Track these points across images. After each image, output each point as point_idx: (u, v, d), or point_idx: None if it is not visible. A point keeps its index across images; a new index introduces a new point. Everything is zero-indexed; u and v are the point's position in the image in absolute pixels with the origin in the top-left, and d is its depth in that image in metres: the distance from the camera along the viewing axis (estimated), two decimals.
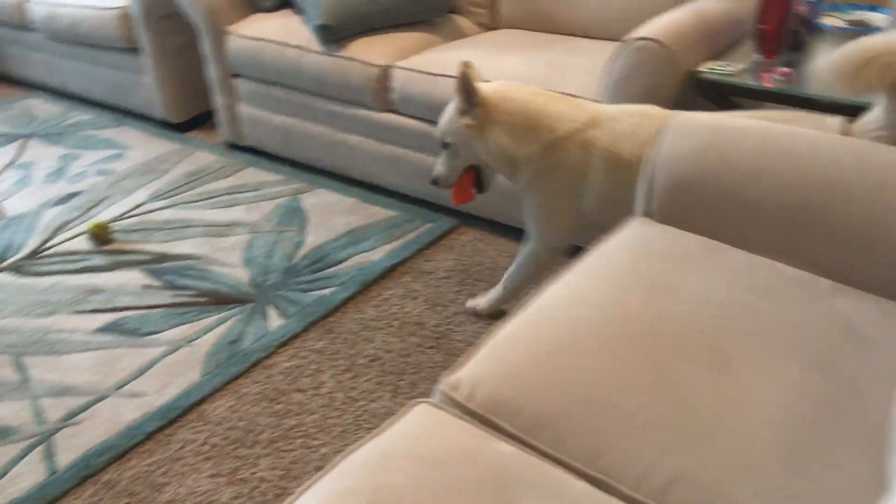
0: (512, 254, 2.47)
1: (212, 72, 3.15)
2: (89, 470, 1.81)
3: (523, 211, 2.07)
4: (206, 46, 3.10)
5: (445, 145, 2.05)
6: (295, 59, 2.80)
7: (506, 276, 2.18)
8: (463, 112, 1.95)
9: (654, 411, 1.15)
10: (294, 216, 2.78)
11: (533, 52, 2.57)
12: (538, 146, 1.91)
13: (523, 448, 1.14)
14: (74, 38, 3.55)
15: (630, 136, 1.82)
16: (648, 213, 1.62)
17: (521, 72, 2.39)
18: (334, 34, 2.69)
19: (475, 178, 2.10)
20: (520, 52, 2.58)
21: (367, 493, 1.07)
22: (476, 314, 2.24)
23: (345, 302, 2.33)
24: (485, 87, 1.95)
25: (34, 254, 2.64)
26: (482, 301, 2.24)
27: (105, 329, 2.26)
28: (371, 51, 2.67)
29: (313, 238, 2.64)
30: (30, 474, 1.80)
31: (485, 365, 1.24)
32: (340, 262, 2.51)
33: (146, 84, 3.44)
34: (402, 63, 2.61)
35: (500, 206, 2.52)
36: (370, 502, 1.06)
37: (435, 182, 2.11)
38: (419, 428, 1.18)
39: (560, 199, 1.95)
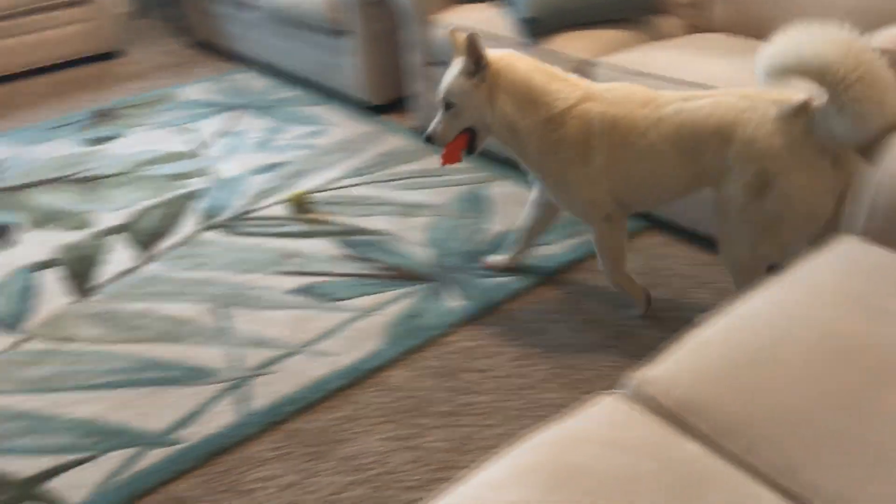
0: (697, 262, 2.42)
1: (412, 59, 3.27)
2: (279, 417, 1.95)
3: (551, 191, 2.15)
4: (409, 34, 3.22)
5: (448, 105, 2.09)
6: None
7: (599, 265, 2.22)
8: (470, 73, 2.02)
9: (859, 434, 1.10)
10: (477, 204, 2.84)
11: (739, 58, 2.49)
12: (538, 120, 2.00)
13: (714, 451, 1.13)
14: (289, 19, 3.80)
15: (623, 100, 1.96)
16: (864, 232, 1.54)
17: (723, 75, 2.32)
18: (539, 27, 2.73)
19: (468, 140, 2.15)
20: (724, 56, 2.51)
21: (552, 470, 1.10)
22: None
23: (523, 291, 2.36)
24: (491, 53, 2.02)
25: (241, 215, 2.85)
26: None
27: (299, 291, 2.42)
28: (574, 45, 2.69)
29: (494, 226, 2.69)
30: (225, 414, 1.97)
31: (682, 365, 1.23)
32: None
33: (349, 66, 3.62)
34: (603, 59, 2.61)
35: (691, 212, 2.47)
36: (554, 478, 1.08)
37: (429, 139, 2.15)
38: (608, 418, 1.19)
39: (571, 173, 2.02)
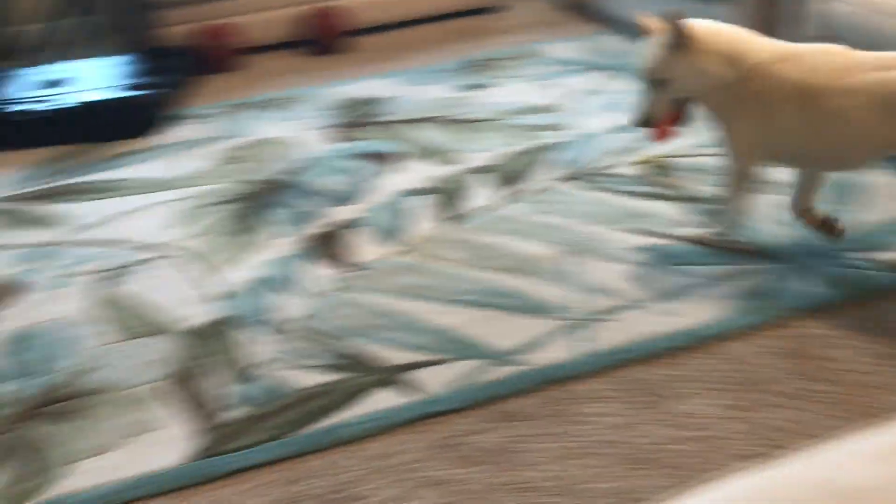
0: None
1: (796, 33, 3.11)
2: (612, 362, 2.05)
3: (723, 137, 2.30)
4: (800, 8, 3.07)
5: (657, 83, 2.19)
6: None
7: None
8: (675, 46, 2.14)
9: None
10: (850, 190, 2.67)
11: None
12: (740, 73, 2.15)
13: None
14: None
15: (822, 66, 2.11)
16: None
17: None
18: None
19: (678, 113, 2.27)
20: None
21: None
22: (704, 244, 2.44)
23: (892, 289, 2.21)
24: (693, 23, 2.16)
25: (595, 171, 2.96)
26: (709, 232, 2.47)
27: (644, 250, 2.48)
28: None
29: (868, 215, 2.52)
30: (563, 349, 2.11)
31: None
32: (890, 247, 2.37)
33: None
34: None
35: None
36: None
37: (643, 123, 2.27)
38: None
39: (750, 128, 2.22)
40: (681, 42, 2.14)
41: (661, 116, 2.25)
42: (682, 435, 1.82)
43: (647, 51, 2.22)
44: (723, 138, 2.30)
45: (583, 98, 3.61)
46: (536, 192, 2.85)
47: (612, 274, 2.38)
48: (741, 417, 1.84)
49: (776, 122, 2.17)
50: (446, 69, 4.10)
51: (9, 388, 2.13)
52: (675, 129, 2.30)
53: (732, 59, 2.16)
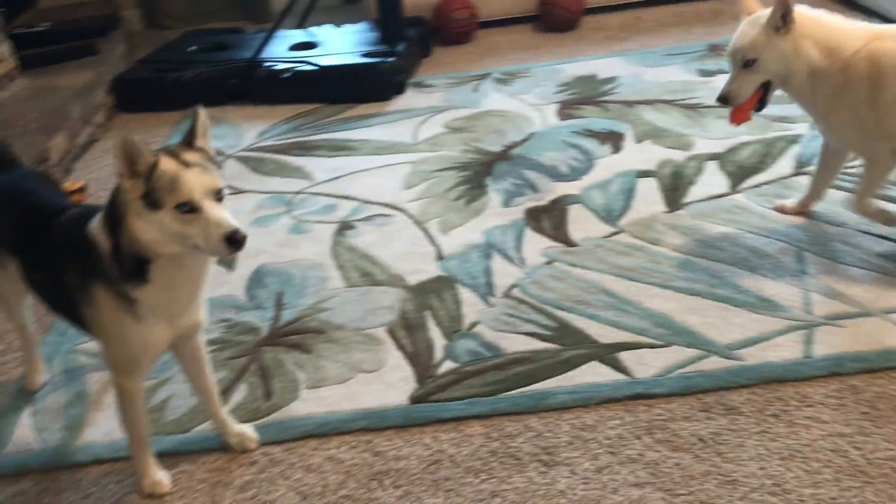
0: None
1: None
2: (840, 369, 1.93)
3: (836, 131, 2.29)
4: None
5: (747, 63, 2.20)
6: None
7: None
8: (776, 27, 2.15)
9: None
10: None
11: None
12: (839, 61, 2.14)
13: None
14: None
15: None
16: None
17: None
18: None
19: (760, 97, 2.25)
20: None
21: None
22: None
23: None
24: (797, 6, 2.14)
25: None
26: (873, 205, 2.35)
27: (887, 256, 2.31)
28: None
29: None
30: (786, 349, 2.01)
31: None
32: None
33: None
34: None
35: None
36: None
37: (725, 100, 2.26)
38: None
39: (863, 112, 2.16)
40: (783, 23, 2.15)
41: (746, 97, 2.25)
42: None
43: (743, 29, 2.22)
44: (849, 134, 2.27)
45: None
46: (770, 185, 2.73)
47: (848, 279, 2.23)
48: None
49: (883, 100, 2.12)
50: (682, 52, 4.00)
51: (249, 319, 2.36)
52: (752, 112, 2.30)
53: (830, 49, 2.15)
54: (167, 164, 1.49)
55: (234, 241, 1.49)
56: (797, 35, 2.16)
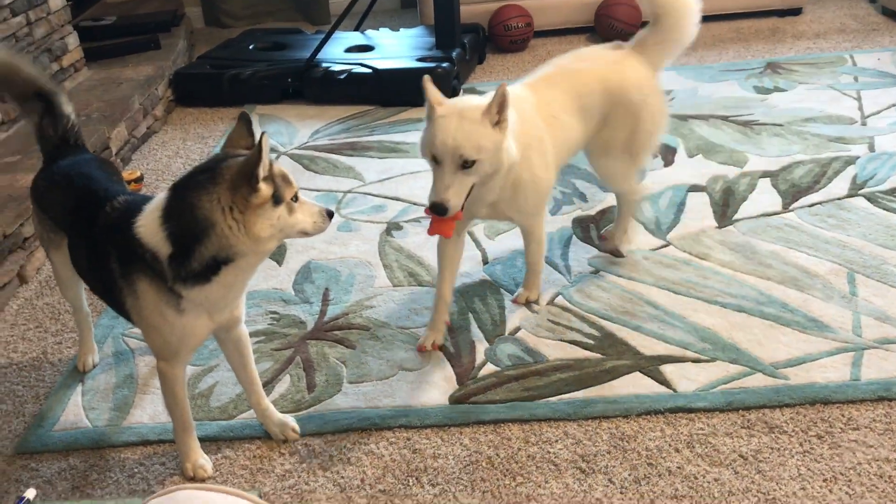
0: None
1: None
2: (888, 394, 1.90)
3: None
4: None
5: (467, 164, 1.85)
6: None
7: None
8: (496, 123, 1.86)
9: None
10: None
11: None
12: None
13: None
14: None
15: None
16: None
17: None
18: None
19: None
20: None
21: None
22: None
23: None
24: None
25: (893, 190, 2.73)
26: None
27: None
28: None
29: None
30: (833, 370, 1.98)
31: None
32: None
33: None
34: None
35: None
36: None
37: (441, 209, 1.87)
38: None
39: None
40: (499, 121, 1.86)
41: (461, 203, 1.88)
42: None
43: (459, 125, 1.84)
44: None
45: (889, 113, 3.32)
46: (823, 205, 2.69)
47: None
48: None
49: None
50: (739, 69, 3.96)
51: (295, 312, 2.40)
52: (454, 224, 1.95)
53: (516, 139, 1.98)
54: (274, 165, 1.60)
55: (331, 213, 1.70)
56: (504, 128, 1.89)
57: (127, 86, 3.84)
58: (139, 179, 3.28)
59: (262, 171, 1.53)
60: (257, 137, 1.57)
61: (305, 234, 1.67)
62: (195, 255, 1.56)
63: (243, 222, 1.55)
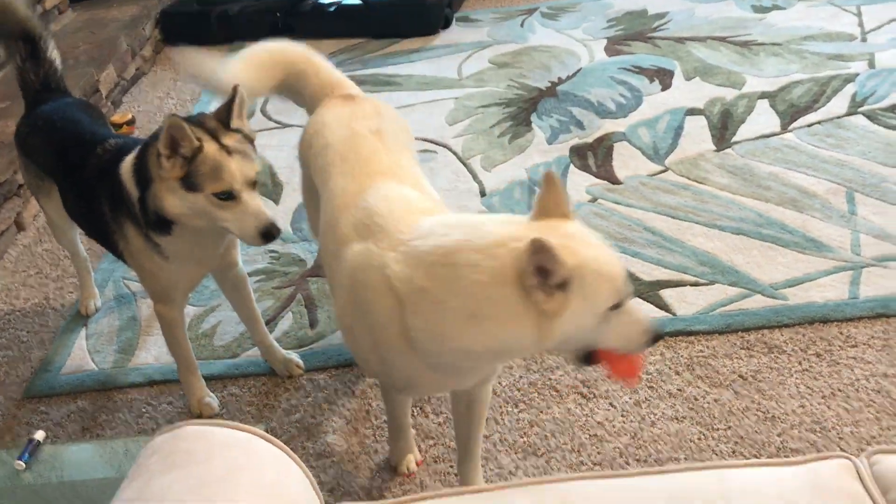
0: None
1: None
2: (886, 311, 1.91)
3: None
4: None
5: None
6: None
7: None
8: None
9: None
10: None
11: None
12: None
13: None
14: None
15: None
16: None
17: None
18: None
19: None
20: None
21: None
22: None
23: None
24: None
25: (893, 107, 2.70)
26: None
27: None
28: None
29: None
30: (831, 289, 1.99)
31: None
32: None
33: None
34: None
35: None
36: None
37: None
38: None
39: None
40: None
41: None
42: None
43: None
44: None
45: (889, 28, 3.26)
46: (822, 124, 2.66)
47: None
48: None
49: None
50: None
51: (294, 251, 2.40)
52: None
53: None
54: (210, 149, 1.48)
55: (269, 234, 1.52)
56: None
57: (113, 27, 3.77)
58: (131, 122, 3.24)
59: (163, 150, 1.46)
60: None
61: (231, 233, 1.58)
62: (146, 205, 1.55)
63: (155, 189, 1.51)
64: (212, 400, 1.89)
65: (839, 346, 1.85)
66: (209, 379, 1.95)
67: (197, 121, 1.53)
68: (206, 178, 1.48)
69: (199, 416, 1.88)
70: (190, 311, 2.18)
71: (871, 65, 2.99)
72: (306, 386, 1.93)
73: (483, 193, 2.57)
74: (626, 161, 2.61)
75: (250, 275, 2.26)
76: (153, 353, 2.08)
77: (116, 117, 3.24)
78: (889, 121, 2.62)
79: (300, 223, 2.52)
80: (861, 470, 1.00)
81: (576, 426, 1.75)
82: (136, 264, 1.70)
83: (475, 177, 2.66)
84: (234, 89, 1.55)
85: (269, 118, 3.20)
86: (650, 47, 3.36)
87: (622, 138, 2.74)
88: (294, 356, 1.97)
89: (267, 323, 2.06)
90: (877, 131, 2.58)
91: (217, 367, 2.01)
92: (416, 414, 1.82)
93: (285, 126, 3.13)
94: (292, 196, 2.66)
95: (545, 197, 1.20)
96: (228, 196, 1.50)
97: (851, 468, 1.00)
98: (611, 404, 1.78)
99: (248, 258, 2.37)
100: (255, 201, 1.53)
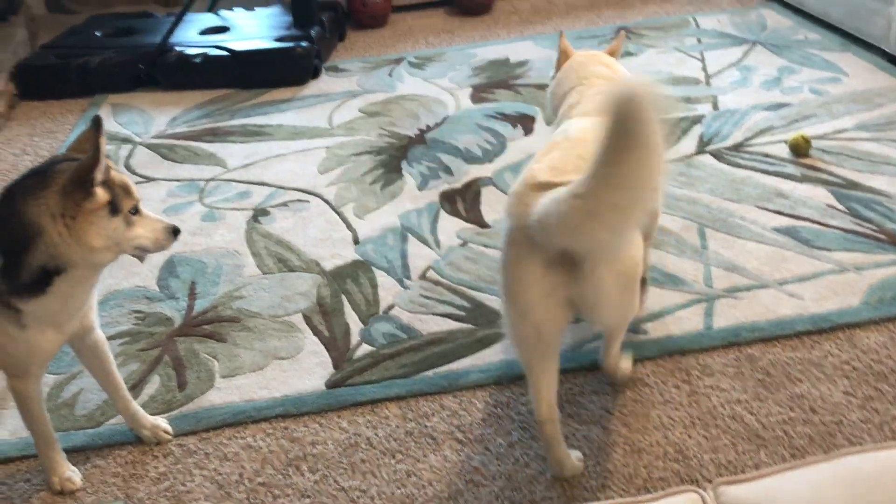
0: None
1: None
2: (737, 339, 2.03)
3: None
4: None
5: None
6: None
7: None
8: None
9: None
10: None
11: None
12: None
13: None
14: None
15: None
16: None
17: None
18: None
19: None
20: None
21: None
22: None
23: None
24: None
25: (735, 146, 2.90)
26: None
27: (781, 230, 2.42)
28: None
29: None
30: (688, 321, 2.10)
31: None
32: None
33: (888, 14, 3.35)
34: None
35: None
36: None
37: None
38: None
39: None
40: None
41: None
42: (803, 418, 1.80)
43: None
44: None
45: (730, 72, 3.51)
46: (674, 164, 2.82)
47: (745, 252, 2.34)
48: (864, 407, 1.80)
49: None
50: (593, 35, 4.07)
51: (161, 309, 2.33)
52: None
53: None
54: (113, 171, 1.53)
55: (177, 230, 1.64)
56: None
57: None
58: None
59: (99, 175, 1.47)
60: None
61: (144, 250, 1.62)
62: (24, 266, 1.48)
63: (74, 229, 1.47)
64: (73, 474, 1.79)
65: (697, 376, 1.95)
66: (71, 451, 1.85)
67: (74, 150, 1.59)
68: (122, 197, 1.53)
69: (61, 493, 1.79)
70: (49, 379, 2.08)
71: (715, 106, 3.21)
72: (175, 452, 1.87)
73: (357, 241, 2.58)
74: (493, 205, 2.69)
75: (112, 338, 2.19)
76: (8, 428, 1.96)
77: None
78: (733, 159, 2.81)
79: (168, 280, 2.46)
80: (708, 502, 1.06)
81: (452, 473, 1.76)
82: None
83: (349, 225, 2.67)
84: (96, 119, 1.51)
85: (134, 172, 3.12)
86: (513, 94, 3.49)
87: (489, 183, 2.82)
88: (161, 421, 1.90)
89: (132, 388, 1.99)
90: (722, 169, 2.76)
91: (79, 437, 1.91)
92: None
93: (150, 180, 3.05)
94: (158, 253, 2.58)
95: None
96: (135, 211, 1.56)
97: (699, 501, 1.06)
98: (486, 448, 1.81)
99: (110, 320, 2.29)
100: (146, 210, 1.61)
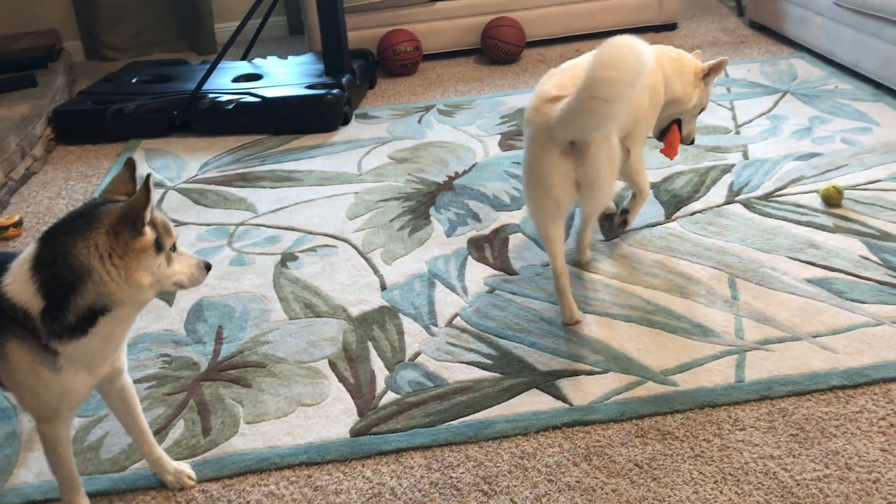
0: None
1: None
2: (769, 393, 1.99)
3: None
4: None
5: None
6: None
7: None
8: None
9: None
10: None
11: None
12: None
13: None
14: (862, 7, 3.61)
15: None
16: None
17: None
18: None
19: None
20: None
21: None
22: None
23: None
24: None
25: (766, 196, 2.87)
26: None
27: (814, 282, 2.38)
28: None
29: None
30: (719, 373, 2.06)
31: None
32: None
33: None
34: None
35: None
36: None
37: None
38: None
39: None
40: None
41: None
42: (838, 475, 1.75)
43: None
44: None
45: (760, 121, 3.50)
46: (703, 213, 2.80)
47: (777, 304, 2.30)
48: None
49: None
50: None
51: (188, 353, 2.34)
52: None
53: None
54: (155, 211, 1.58)
55: (209, 267, 1.69)
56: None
57: (2, 126, 3.68)
58: (18, 224, 3.14)
59: (148, 215, 1.50)
60: (140, 185, 1.54)
61: (181, 286, 1.64)
62: (70, 307, 1.49)
63: (123, 268, 1.50)
64: None
65: (728, 430, 1.91)
66: (94, 495, 1.85)
67: (110, 192, 1.64)
68: (164, 234, 1.58)
69: None
70: (76, 421, 2.08)
71: (745, 156, 3.19)
72: (198, 498, 1.85)
73: (384, 287, 2.57)
74: (521, 252, 2.68)
75: (139, 381, 2.20)
76: (34, 471, 1.96)
77: (2, 219, 3.13)
78: (763, 208, 2.79)
79: (195, 324, 2.47)
80: None
81: None
82: (16, 384, 1.59)
83: (375, 270, 2.67)
84: (129, 161, 1.68)
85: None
86: None
87: (517, 230, 2.82)
88: (185, 467, 1.89)
89: (157, 432, 1.98)
90: (752, 218, 2.74)
91: (102, 482, 1.91)
92: None
93: (180, 224, 3.09)
94: (186, 296, 2.60)
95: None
96: (174, 248, 1.61)
97: None
98: (511, 500, 1.78)
99: (138, 363, 2.30)
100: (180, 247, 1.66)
